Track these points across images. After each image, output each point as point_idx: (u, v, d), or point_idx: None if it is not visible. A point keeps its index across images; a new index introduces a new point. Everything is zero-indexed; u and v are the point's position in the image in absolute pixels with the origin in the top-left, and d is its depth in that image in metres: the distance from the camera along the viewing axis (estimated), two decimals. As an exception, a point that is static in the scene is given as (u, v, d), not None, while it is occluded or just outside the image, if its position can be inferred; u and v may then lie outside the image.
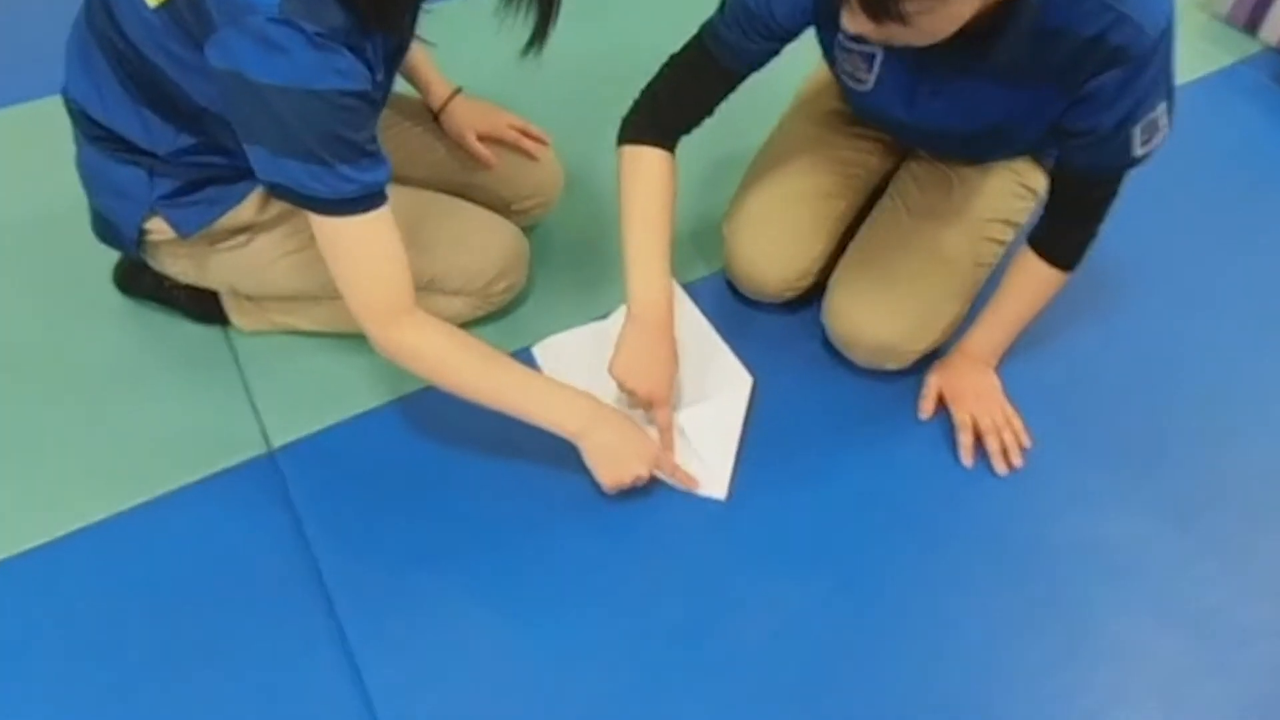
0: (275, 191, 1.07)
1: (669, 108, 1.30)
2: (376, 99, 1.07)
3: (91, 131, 1.20)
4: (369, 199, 1.07)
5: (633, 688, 1.16)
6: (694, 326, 1.46)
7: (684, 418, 1.36)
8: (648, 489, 1.31)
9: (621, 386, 1.30)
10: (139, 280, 1.44)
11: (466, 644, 1.18)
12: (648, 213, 1.30)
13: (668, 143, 1.31)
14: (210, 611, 1.18)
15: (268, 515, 1.27)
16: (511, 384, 1.22)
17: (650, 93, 1.31)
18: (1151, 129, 1.18)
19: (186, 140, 1.17)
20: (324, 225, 1.08)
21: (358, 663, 1.15)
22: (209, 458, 1.32)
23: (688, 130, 1.32)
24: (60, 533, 1.24)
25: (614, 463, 1.25)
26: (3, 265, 1.52)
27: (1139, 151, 1.19)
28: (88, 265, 1.45)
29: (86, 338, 1.44)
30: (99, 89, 1.17)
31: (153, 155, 1.19)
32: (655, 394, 1.30)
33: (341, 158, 1.02)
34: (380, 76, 1.08)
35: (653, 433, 1.33)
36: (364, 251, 1.10)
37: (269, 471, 1.31)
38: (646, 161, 1.30)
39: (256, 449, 1.33)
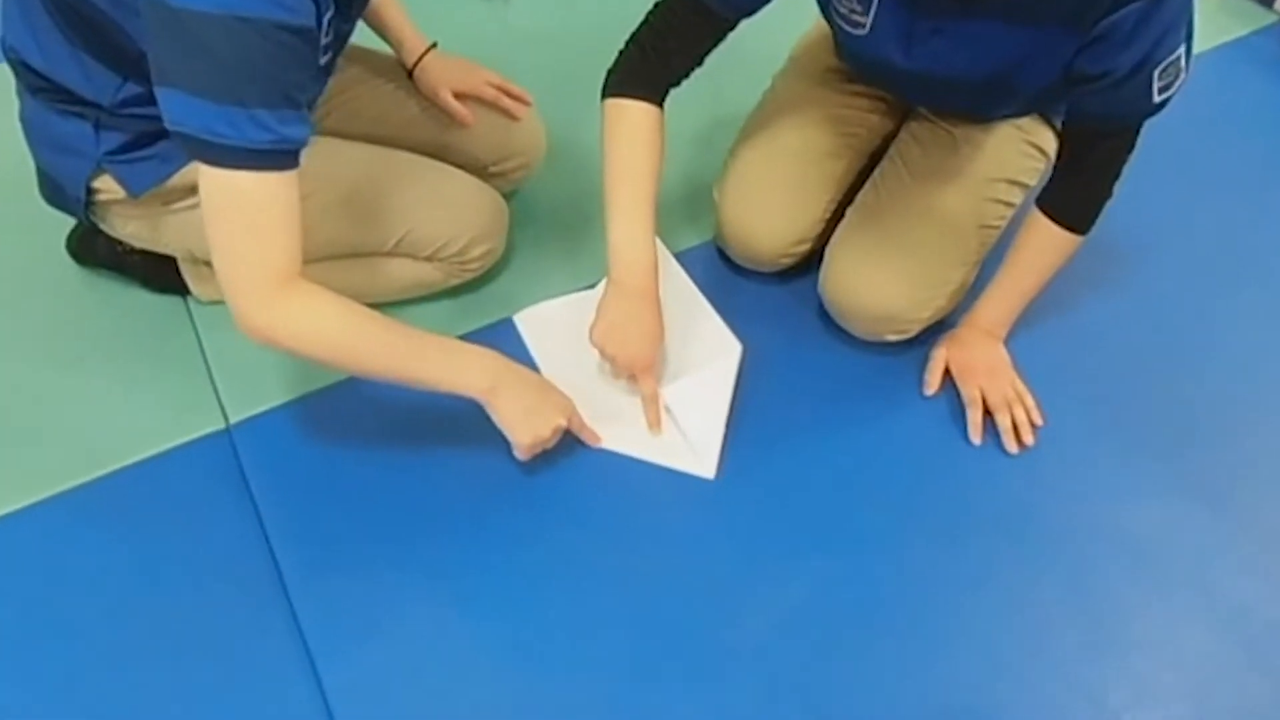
0: (182, 142, 0.95)
1: (656, 58, 1.21)
2: (320, 43, 0.98)
3: (33, 83, 1.12)
4: (280, 156, 0.94)
5: (611, 682, 1.08)
6: (679, 291, 1.37)
7: (668, 392, 1.28)
8: (633, 466, 1.22)
9: (602, 353, 1.22)
10: (93, 247, 1.36)
11: (426, 630, 1.10)
12: (632, 170, 1.21)
13: (655, 96, 1.22)
14: (161, 590, 1.12)
15: (223, 492, 1.20)
16: (410, 352, 1.09)
17: (636, 43, 1.22)
18: (1171, 72, 1.08)
19: (131, 89, 1.08)
20: (216, 178, 0.94)
21: (310, 646, 1.08)
22: (165, 432, 1.24)
23: (676, 82, 1.23)
24: (7, 509, 1.17)
25: (532, 417, 1.14)
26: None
27: (1158, 98, 1.10)
28: (40, 233, 1.37)
29: (39, 308, 1.37)
30: (37, 36, 1.08)
31: (97, 107, 1.11)
32: (638, 362, 1.22)
33: (263, 101, 0.92)
34: (330, 16, 0.98)
35: (637, 404, 1.25)
36: (259, 215, 0.96)
37: (225, 448, 1.24)
38: (631, 116, 1.21)
39: (214, 424, 1.26)
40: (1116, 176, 1.19)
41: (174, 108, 0.93)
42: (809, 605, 1.14)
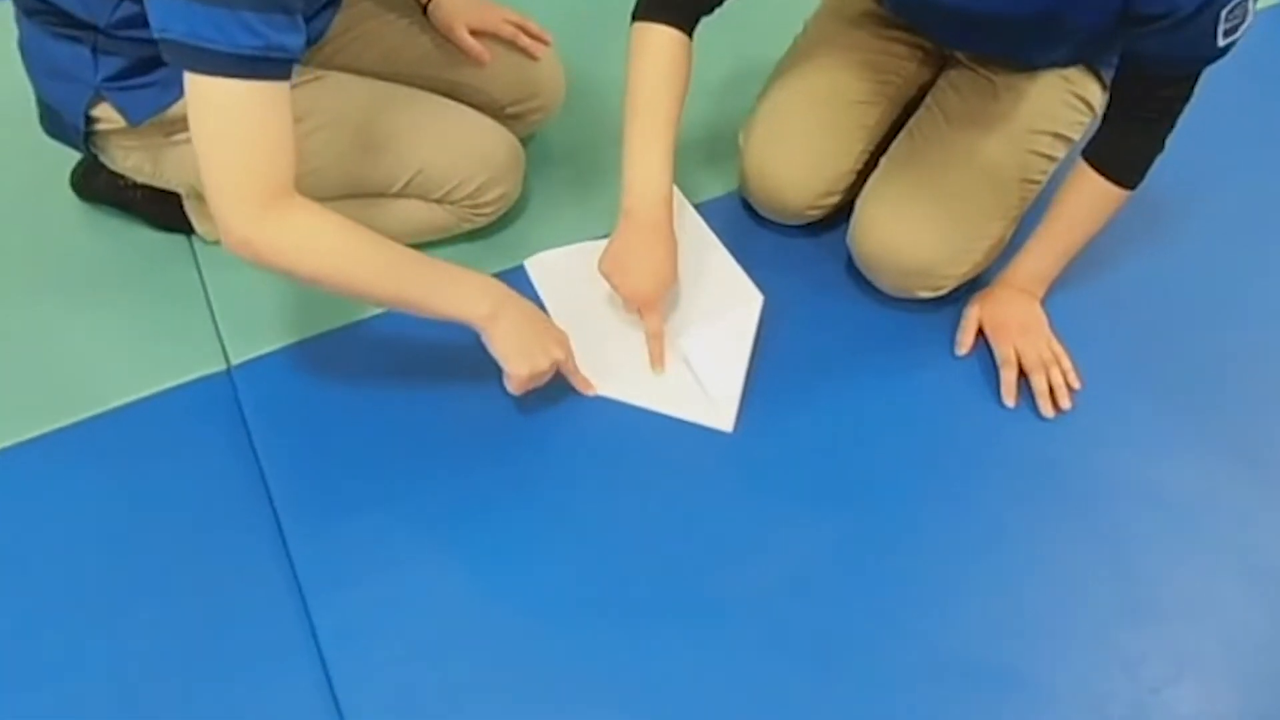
0: (167, 50, 0.90)
1: None
2: None
3: (29, 5, 1.07)
4: (270, 64, 0.89)
5: (612, 627, 1.03)
6: (698, 239, 1.32)
7: (686, 342, 1.22)
8: (647, 416, 1.18)
9: (609, 284, 1.18)
10: (95, 182, 1.32)
11: (421, 573, 1.07)
12: (654, 98, 1.16)
13: (685, 23, 1.16)
14: (156, 528, 1.09)
15: (222, 433, 1.16)
16: (408, 274, 1.04)
17: None
18: (1238, 14, 1.00)
19: (128, 8, 1.03)
20: (202, 85, 0.89)
21: (303, 587, 1.06)
22: (165, 372, 1.21)
23: (708, 10, 1.17)
24: (6, 444, 1.15)
25: (531, 346, 1.09)
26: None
27: (1222, 41, 1.02)
28: (43, 167, 1.33)
29: (41, 244, 1.34)
30: None
31: (94, 29, 1.06)
32: (643, 295, 1.18)
33: (251, 3, 0.87)
34: None
35: (642, 341, 1.21)
36: (246, 125, 0.91)
37: (225, 388, 1.20)
38: (658, 41, 1.15)
39: (215, 365, 1.22)
40: (1170, 129, 1.11)
41: (160, 11, 0.88)
42: (823, 558, 1.09)
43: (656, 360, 1.22)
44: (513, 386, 1.12)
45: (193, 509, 1.10)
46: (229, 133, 0.92)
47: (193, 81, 0.90)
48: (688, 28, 1.16)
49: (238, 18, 0.86)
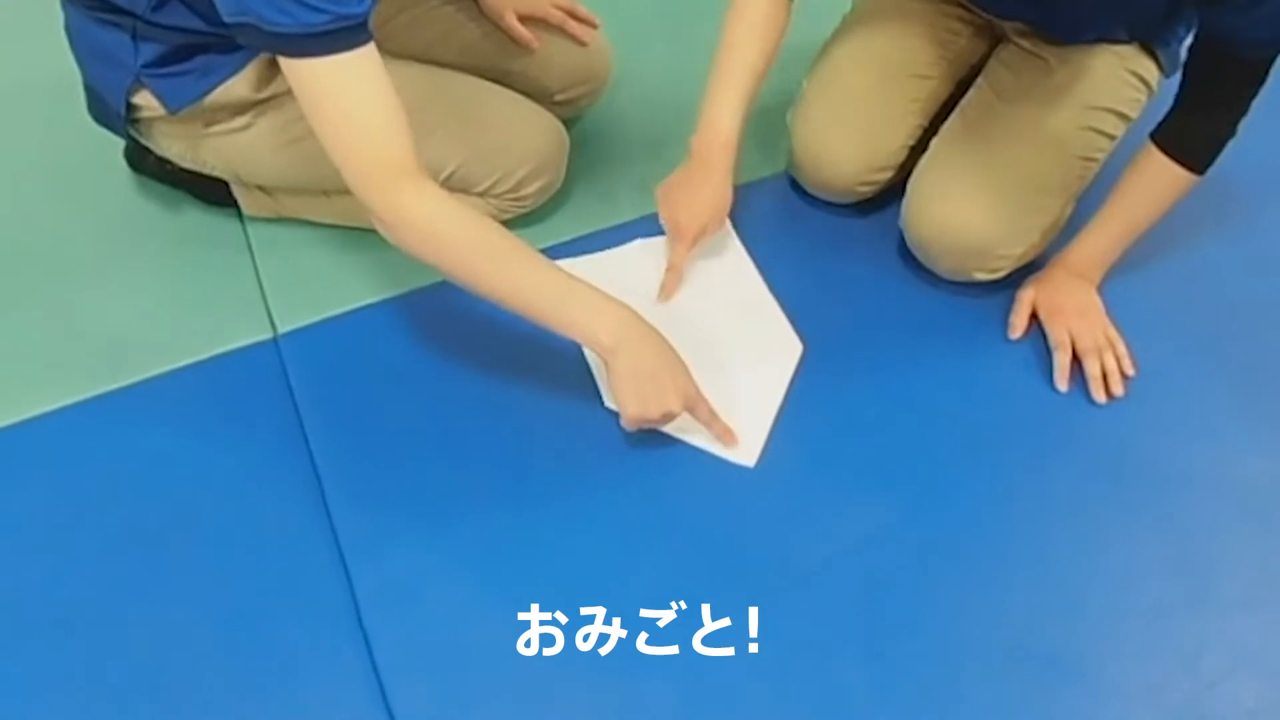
0: (242, 35, 0.92)
1: None
2: None
3: None
4: (346, 34, 0.90)
5: (660, 600, 1.01)
6: (745, 281, 1.28)
7: (721, 381, 1.16)
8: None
9: (659, 210, 1.22)
10: (146, 160, 1.33)
11: (463, 545, 1.06)
12: (735, 46, 1.20)
13: None
14: (200, 494, 1.09)
15: (268, 401, 1.16)
16: (538, 281, 1.01)
17: None
18: None
19: None
20: (296, 69, 0.92)
21: (344, 553, 1.05)
22: (212, 339, 1.22)
23: None
24: (57, 405, 1.16)
25: (646, 391, 1.03)
26: (9, 134, 1.45)
27: None
28: (99, 141, 1.32)
29: (95, 213, 1.36)
30: None
31: (133, 15, 1.06)
32: (679, 224, 1.22)
33: None
34: None
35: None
36: (347, 100, 0.93)
37: (272, 357, 1.20)
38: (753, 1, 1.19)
39: (262, 334, 1.23)
40: (1244, 112, 1.08)
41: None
42: (875, 542, 1.06)
43: (665, 291, 1.23)
44: (624, 424, 1.07)
45: (237, 475, 1.10)
46: (333, 110, 0.93)
47: (284, 64, 0.92)
48: None
49: None
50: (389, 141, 0.95)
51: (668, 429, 1.11)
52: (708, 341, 1.17)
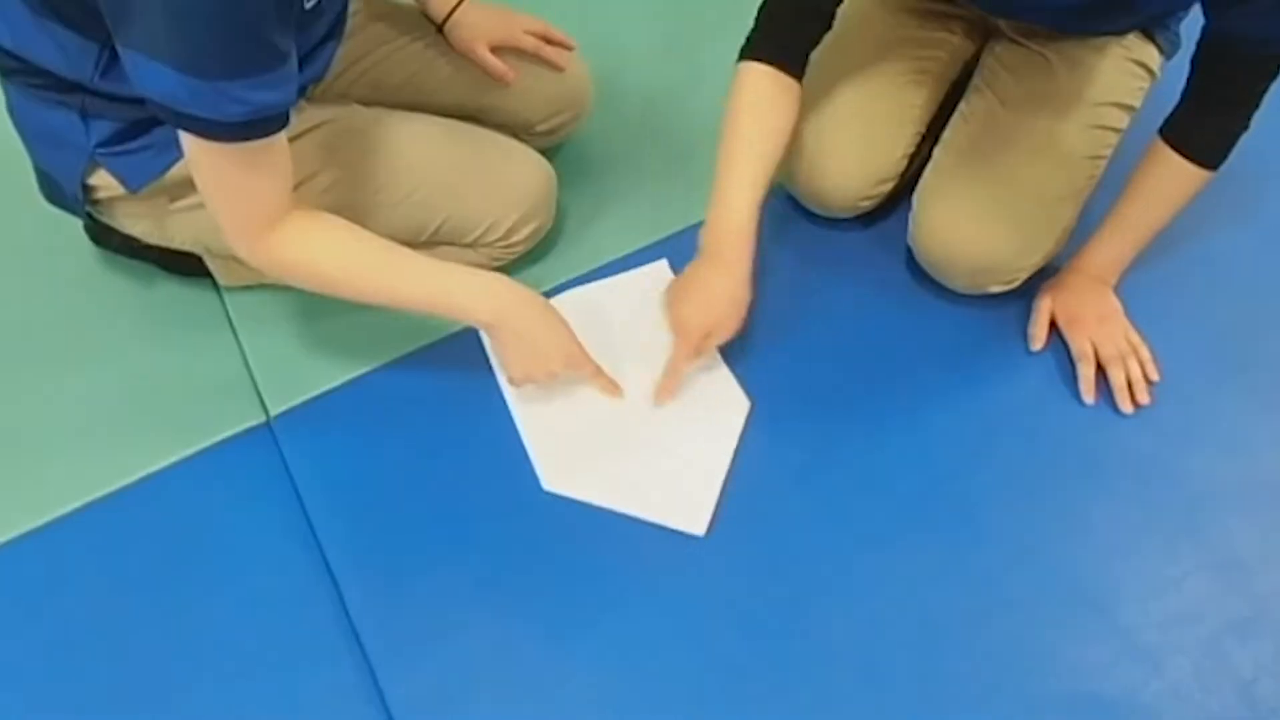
0: (152, 107, 0.86)
1: (780, 18, 1.11)
2: None
3: (6, 65, 1.00)
4: (259, 125, 0.87)
5: (696, 682, 0.98)
6: None
7: (669, 438, 1.13)
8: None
9: (666, 310, 1.14)
10: (111, 237, 1.25)
11: (487, 626, 1.02)
12: (738, 132, 1.12)
13: (781, 59, 1.11)
14: (209, 598, 1.05)
15: (267, 489, 1.11)
16: (413, 280, 1.04)
17: (763, 5, 1.11)
18: None
19: (110, 61, 0.95)
20: (191, 143, 0.88)
21: (365, 647, 1.01)
22: (202, 429, 1.15)
23: (808, 41, 1.12)
24: (42, 520, 1.09)
25: (528, 355, 1.08)
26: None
27: None
28: (59, 216, 1.26)
29: (60, 298, 1.27)
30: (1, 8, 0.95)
31: (81, 89, 0.98)
32: (684, 323, 1.12)
33: (225, 70, 0.81)
34: None
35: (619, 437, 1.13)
36: (242, 180, 0.92)
37: (267, 442, 1.14)
38: (751, 78, 1.11)
39: (254, 418, 1.16)
40: (1256, 107, 1.04)
41: (139, 73, 0.83)
42: (912, 586, 1.04)
43: (663, 393, 1.14)
44: (511, 382, 1.11)
45: (242, 577, 1.05)
46: (224, 184, 0.93)
47: (183, 135, 0.88)
48: (786, 65, 1.11)
49: (216, 88, 0.81)
50: (271, 205, 0.96)
51: (615, 502, 1.09)
52: (652, 408, 1.15)
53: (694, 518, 1.07)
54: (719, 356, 1.19)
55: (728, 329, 1.12)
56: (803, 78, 1.13)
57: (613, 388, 1.14)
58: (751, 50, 1.11)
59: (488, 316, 1.05)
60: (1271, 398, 1.17)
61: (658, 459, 1.10)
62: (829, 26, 1.12)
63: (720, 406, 1.16)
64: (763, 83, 1.11)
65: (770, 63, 1.10)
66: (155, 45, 0.80)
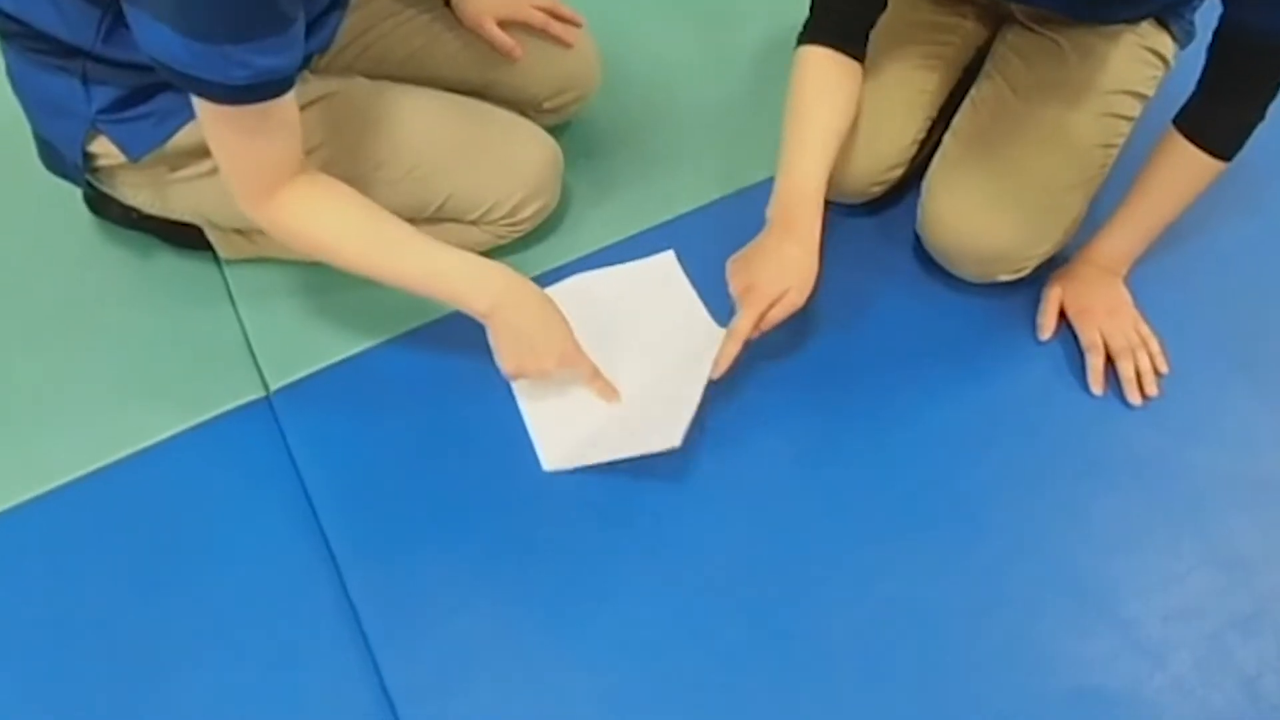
0: (160, 69, 0.86)
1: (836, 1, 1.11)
2: None
3: (7, 28, 0.99)
4: (264, 89, 0.87)
5: (696, 673, 0.97)
6: (684, 303, 1.22)
7: (651, 386, 1.12)
8: (725, 442, 1.11)
9: (729, 281, 1.11)
10: (110, 207, 1.24)
11: (487, 610, 1.01)
12: (801, 110, 1.11)
13: (841, 41, 1.12)
14: (206, 572, 1.04)
15: (266, 465, 1.10)
16: (411, 258, 1.03)
17: None
18: None
19: (112, 26, 0.94)
20: (205, 108, 0.89)
21: (364, 626, 1.00)
22: (202, 403, 1.14)
23: (867, 22, 1.13)
24: (39, 490, 1.08)
25: (523, 350, 1.06)
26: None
27: None
28: (58, 189, 1.25)
29: (59, 269, 1.26)
30: None
31: (81, 54, 0.97)
32: (764, 288, 1.07)
33: (230, 34, 0.81)
34: None
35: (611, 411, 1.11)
36: (246, 142, 0.92)
37: (266, 416, 1.13)
38: (812, 59, 1.12)
39: (253, 393, 1.15)
40: (1272, 99, 1.02)
41: (146, 36, 0.83)
42: (916, 579, 1.03)
43: (724, 362, 1.08)
44: (503, 372, 1.09)
45: (239, 551, 1.04)
46: (230, 145, 0.93)
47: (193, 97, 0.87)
48: (847, 47, 1.12)
49: (221, 52, 0.81)
50: (278, 167, 0.96)
51: (599, 455, 1.08)
52: (630, 335, 1.16)
53: (669, 434, 1.04)
54: (697, 298, 1.20)
55: (796, 298, 1.07)
56: (864, 59, 1.13)
57: (610, 391, 1.11)
58: (810, 34, 1.12)
59: (484, 307, 1.04)
60: (1277, 394, 1.16)
61: (638, 401, 1.10)
62: (884, 6, 1.11)
63: (699, 344, 1.13)
64: (825, 64, 1.11)
65: (830, 45, 1.11)
66: (160, 7, 0.80)
